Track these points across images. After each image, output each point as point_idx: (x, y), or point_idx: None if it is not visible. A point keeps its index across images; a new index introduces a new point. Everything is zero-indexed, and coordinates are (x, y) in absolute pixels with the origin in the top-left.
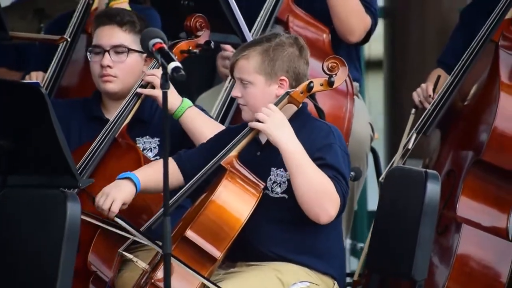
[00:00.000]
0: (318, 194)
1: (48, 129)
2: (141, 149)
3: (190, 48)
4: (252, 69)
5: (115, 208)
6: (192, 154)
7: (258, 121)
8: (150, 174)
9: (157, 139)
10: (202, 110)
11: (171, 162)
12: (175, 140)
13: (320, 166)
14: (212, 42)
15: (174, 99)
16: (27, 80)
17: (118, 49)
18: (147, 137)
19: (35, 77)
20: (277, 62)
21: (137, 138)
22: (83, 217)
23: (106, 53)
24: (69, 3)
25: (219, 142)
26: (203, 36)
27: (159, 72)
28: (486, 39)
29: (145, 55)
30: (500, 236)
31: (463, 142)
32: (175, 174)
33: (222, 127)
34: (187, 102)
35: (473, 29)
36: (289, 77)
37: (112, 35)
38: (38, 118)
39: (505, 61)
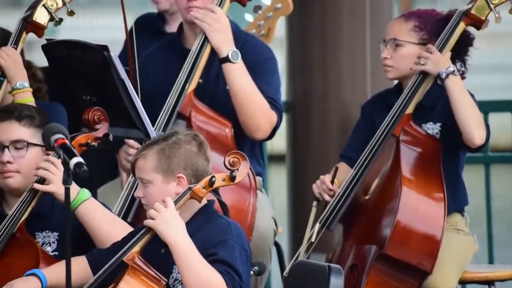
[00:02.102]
0: None
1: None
2: (40, 243)
3: (89, 141)
4: (149, 168)
5: None
6: (104, 253)
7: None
8: (59, 271)
9: (56, 233)
10: (103, 204)
11: (83, 260)
12: (75, 234)
13: (212, 262)
14: (111, 135)
15: (71, 189)
16: None
17: (18, 144)
18: (47, 231)
19: None
20: (174, 159)
21: (36, 233)
22: None
23: (6, 149)
24: None
25: (129, 241)
26: (102, 129)
27: (51, 165)
28: (387, 134)
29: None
30: None
31: (366, 236)
32: (86, 273)
33: (121, 221)
34: (84, 193)
35: (374, 124)
36: (187, 174)
37: (11, 130)
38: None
39: (406, 156)
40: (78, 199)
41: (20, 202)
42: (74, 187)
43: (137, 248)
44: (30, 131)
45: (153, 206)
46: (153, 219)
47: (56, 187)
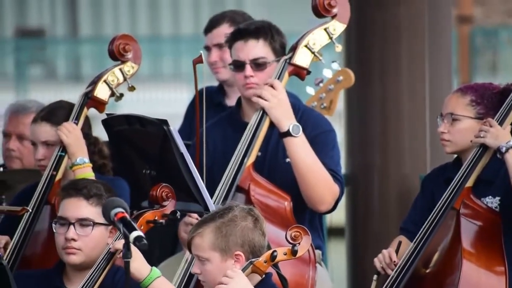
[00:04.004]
0: None
1: None
2: None
3: (156, 218)
4: (206, 246)
5: None
6: None
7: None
8: None
9: None
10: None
11: None
12: None
13: None
14: (178, 212)
15: (143, 267)
16: None
17: (84, 222)
18: None
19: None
20: (231, 237)
21: None
22: None
23: (71, 226)
24: (31, 174)
25: None
26: (169, 206)
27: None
28: (447, 207)
29: (111, 227)
30: None
31: None
32: None
33: None
34: (156, 271)
35: (434, 198)
36: (245, 251)
37: (78, 208)
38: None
39: (467, 229)
40: (151, 276)
41: (87, 280)
42: (146, 265)
43: None
44: (96, 209)
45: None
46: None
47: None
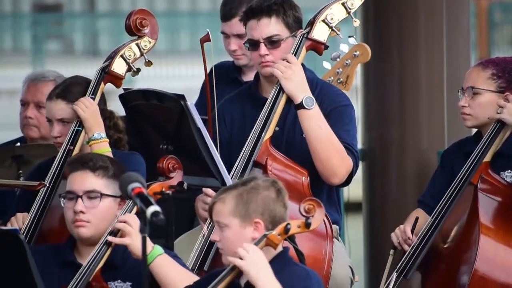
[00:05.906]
0: None
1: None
2: None
3: (163, 189)
4: (227, 212)
5: None
6: None
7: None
8: None
9: (129, 283)
10: (175, 257)
11: None
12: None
13: None
14: (185, 183)
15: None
16: (8, 225)
17: (91, 195)
18: (119, 281)
19: (21, 217)
20: (251, 205)
21: (109, 282)
22: None
23: (79, 199)
24: (48, 149)
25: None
26: (176, 177)
27: (130, 218)
28: (465, 181)
29: (119, 199)
30: None
31: (444, 284)
32: None
33: (194, 276)
34: (158, 249)
35: (453, 171)
36: (265, 220)
37: (85, 181)
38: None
39: (484, 204)
40: (153, 254)
41: (96, 251)
42: (148, 242)
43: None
44: (103, 181)
45: (242, 246)
46: (241, 258)
47: (132, 240)
